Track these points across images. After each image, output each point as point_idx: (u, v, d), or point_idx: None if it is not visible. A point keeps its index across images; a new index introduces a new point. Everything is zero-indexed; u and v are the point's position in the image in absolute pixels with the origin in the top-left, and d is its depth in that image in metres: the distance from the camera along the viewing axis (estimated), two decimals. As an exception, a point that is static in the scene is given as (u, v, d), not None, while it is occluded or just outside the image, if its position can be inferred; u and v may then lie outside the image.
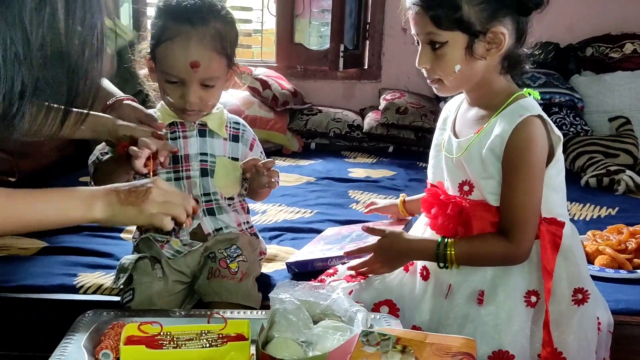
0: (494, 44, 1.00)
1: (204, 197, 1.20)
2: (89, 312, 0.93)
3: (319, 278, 1.20)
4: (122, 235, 1.57)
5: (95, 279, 1.30)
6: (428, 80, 1.07)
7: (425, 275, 1.12)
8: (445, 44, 1.00)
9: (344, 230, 1.48)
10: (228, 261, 1.18)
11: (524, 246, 1.02)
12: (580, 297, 1.06)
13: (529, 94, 1.07)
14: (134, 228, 1.58)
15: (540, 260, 1.03)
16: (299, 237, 1.61)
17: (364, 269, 1.15)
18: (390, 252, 1.12)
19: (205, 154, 1.21)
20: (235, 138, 1.25)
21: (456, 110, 1.14)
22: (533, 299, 1.03)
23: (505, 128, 1.00)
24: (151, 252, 1.19)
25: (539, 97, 1.07)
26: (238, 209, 1.27)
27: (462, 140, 1.07)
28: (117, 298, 1.20)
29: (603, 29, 2.84)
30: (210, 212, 1.21)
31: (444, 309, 1.08)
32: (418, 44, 1.04)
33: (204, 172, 1.20)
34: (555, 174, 1.06)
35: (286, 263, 1.35)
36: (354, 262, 1.17)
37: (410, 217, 1.36)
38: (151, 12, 1.21)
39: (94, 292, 1.26)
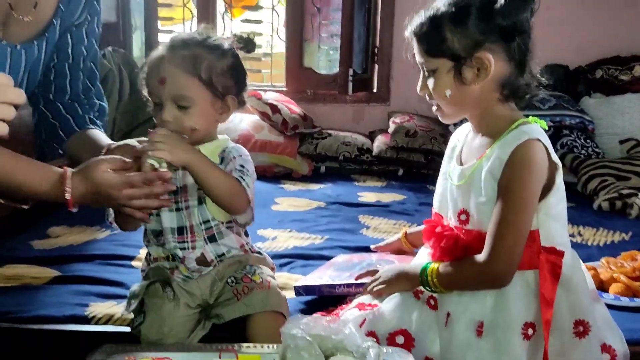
0: (482, 70, 1.03)
1: (203, 225, 1.20)
2: (102, 347, 0.93)
3: (335, 312, 1.18)
4: (133, 263, 1.58)
5: (106, 309, 1.30)
6: (433, 109, 1.13)
7: (434, 304, 1.12)
8: (435, 70, 1.06)
9: (355, 258, 1.48)
10: (250, 276, 1.20)
11: (496, 265, 1.01)
12: (581, 329, 1.04)
13: (535, 122, 1.07)
14: (142, 257, 1.60)
15: (539, 290, 1.02)
16: (309, 265, 1.61)
17: (370, 288, 1.18)
18: (390, 274, 1.16)
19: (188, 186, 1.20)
20: (222, 160, 1.21)
21: (464, 140, 1.16)
22: (530, 331, 1.02)
23: (504, 151, 1.01)
24: (161, 278, 1.20)
25: (546, 127, 1.08)
26: (239, 231, 1.27)
27: (465, 167, 1.09)
28: (128, 329, 1.20)
29: (612, 51, 2.84)
30: (212, 239, 1.21)
31: (445, 338, 1.08)
32: (419, 71, 1.11)
33: (200, 201, 1.20)
34: (556, 202, 1.06)
35: (295, 286, 1.35)
36: (365, 280, 1.22)
37: (415, 250, 1.36)
38: (163, 39, 1.23)
39: (105, 323, 1.26)
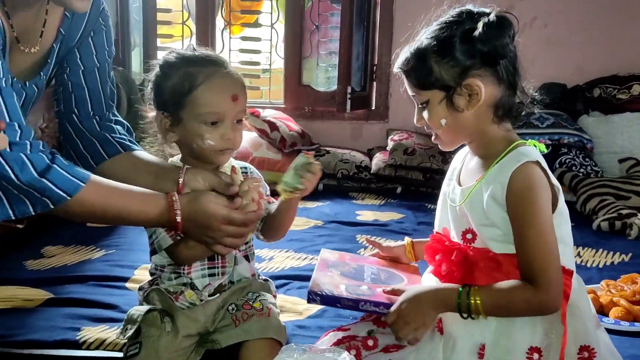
0: (474, 96, 1.04)
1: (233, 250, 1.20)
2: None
3: (351, 351, 1.10)
4: (127, 285, 1.56)
5: (98, 334, 1.28)
6: (432, 138, 1.13)
7: (441, 329, 1.09)
8: (427, 102, 1.07)
9: (348, 258, 1.35)
10: (251, 303, 1.19)
11: (552, 291, 0.99)
12: (586, 355, 1.03)
13: (535, 145, 1.07)
14: (143, 278, 1.58)
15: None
16: (305, 286, 1.58)
17: (400, 333, 1.06)
18: (414, 303, 1.05)
19: None
20: None
21: (462, 161, 1.16)
22: (535, 356, 1.00)
23: (504, 174, 1.01)
24: (162, 304, 1.17)
25: (545, 150, 1.07)
26: (251, 255, 1.27)
27: (464, 188, 1.09)
28: (120, 354, 1.18)
29: (610, 70, 2.85)
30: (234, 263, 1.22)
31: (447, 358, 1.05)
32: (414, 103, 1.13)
33: None
34: (561, 224, 1.05)
35: (309, 291, 1.16)
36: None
37: (412, 263, 1.32)
38: (161, 56, 1.21)
39: (97, 348, 1.23)
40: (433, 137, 1.12)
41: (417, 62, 1.05)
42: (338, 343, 1.16)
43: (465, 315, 1.03)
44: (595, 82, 2.83)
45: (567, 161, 2.63)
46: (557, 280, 1.00)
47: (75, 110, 1.24)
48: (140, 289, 1.26)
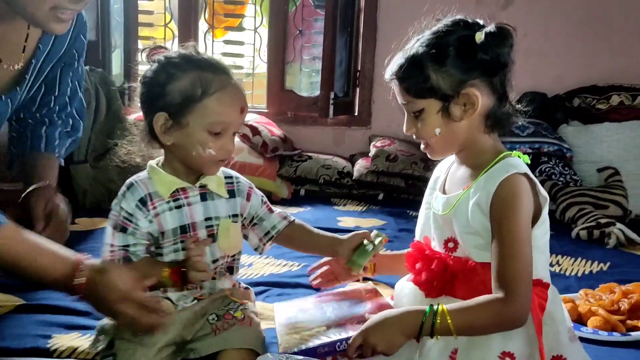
0: (470, 105, 1.03)
1: (212, 264, 1.18)
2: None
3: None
4: (102, 291, 1.52)
5: (70, 341, 1.24)
6: (421, 147, 1.12)
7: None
8: (422, 111, 1.05)
9: (301, 303, 1.35)
10: (232, 312, 1.16)
11: (518, 303, 0.98)
12: None
13: (519, 156, 1.08)
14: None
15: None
16: (285, 293, 1.57)
17: (366, 353, 1.04)
18: (378, 331, 1.02)
19: (210, 218, 1.18)
20: (232, 193, 1.23)
21: (447, 171, 1.16)
22: None
23: (492, 183, 1.01)
24: None
25: (529, 162, 1.08)
26: (237, 267, 1.25)
27: (451, 196, 1.08)
28: (94, 362, 1.15)
29: (590, 80, 2.89)
30: (213, 277, 1.20)
31: None
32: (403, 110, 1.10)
33: (213, 238, 1.18)
34: (541, 235, 1.06)
35: (282, 353, 1.13)
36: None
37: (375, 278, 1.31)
38: (143, 58, 1.19)
39: (68, 356, 1.20)
40: (423, 147, 1.11)
41: (413, 69, 1.04)
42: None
43: (434, 337, 0.99)
44: (575, 92, 2.86)
45: (547, 170, 2.65)
46: (526, 292, 0.99)
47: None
48: None
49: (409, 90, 1.05)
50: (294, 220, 1.34)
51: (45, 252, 1.00)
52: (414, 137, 1.10)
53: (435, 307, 1.00)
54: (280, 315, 1.30)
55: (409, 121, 1.09)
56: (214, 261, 1.19)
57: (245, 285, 1.31)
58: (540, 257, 1.05)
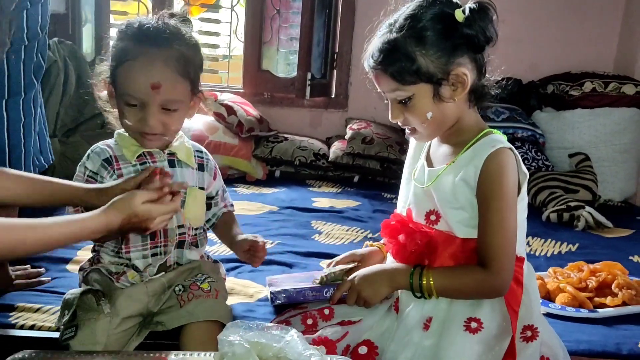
0: (459, 84, 1.02)
1: (178, 230, 1.17)
2: (20, 353, 0.86)
3: (308, 321, 1.13)
4: (68, 267, 1.48)
5: (35, 315, 1.21)
6: (406, 132, 1.09)
7: (398, 308, 1.10)
8: (412, 97, 1.02)
9: (293, 274, 1.38)
10: (198, 283, 1.15)
11: (501, 275, 1.01)
12: (529, 334, 1.05)
13: (499, 134, 1.08)
14: (84, 258, 1.51)
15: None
16: (257, 270, 1.55)
17: (349, 299, 1.09)
18: (367, 278, 1.09)
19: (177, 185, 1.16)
20: (200, 167, 1.22)
21: (428, 145, 1.15)
22: (473, 324, 1.02)
23: (478, 158, 1.01)
24: (101, 285, 1.12)
25: (505, 139, 1.08)
26: (201, 240, 1.23)
27: (434, 169, 1.08)
28: (56, 334, 1.12)
29: (564, 67, 2.92)
30: (180, 245, 1.18)
31: (399, 336, 1.06)
32: (387, 99, 1.06)
33: (182, 204, 1.15)
34: (520, 211, 1.07)
35: (272, 292, 1.20)
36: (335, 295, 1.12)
37: None
38: (113, 34, 1.15)
39: (30, 328, 1.17)
40: (408, 132, 1.08)
41: (397, 55, 1.00)
42: (293, 316, 1.15)
43: (418, 294, 1.05)
44: (549, 79, 2.89)
45: (520, 155, 2.67)
46: (509, 265, 1.02)
47: None
48: (80, 269, 1.20)
49: (396, 77, 1.00)
50: (229, 211, 1.32)
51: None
52: (400, 124, 1.07)
53: (420, 269, 1.04)
54: (271, 280, 1.31)
55: (395, 109, 1.05)
56: (179, 226, 1.17)
57: (214, 259, 1.30)
58: (518, 233, 1.06)
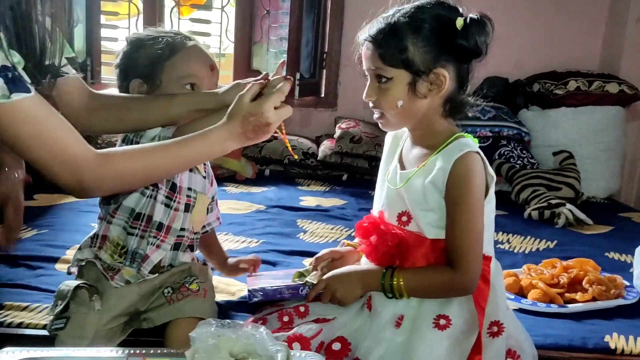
0: (436, 85, 1.05)
1: (179, 232, 1.22)
2: (5, 350, 0.90)
3: (284, 318, 1.17)
4: (56, 266, 1.52)
5: (23, 313, 1.25)
6: (374, 116, 1.12)
7: (370, 306, 1.14)
8: (390, 79, 1.06)
9: (273, 272, 1.43)
10: (187, 285, 1.20)
11: (469, 275, 1.05)
12: (495, 329, 1.09)
13: (469, 138, 1.12)
14: (70, 256, 1.55)
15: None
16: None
17: (324, 298, 1.13)
18: (342, 279, 1.13)
19: (190, 189, 1.23)
20: (206, 174, 1.29)
21: (402, 145, 1.18)
22: (442, 322, 1.06)
23: (446, 161, 1.05)
24: (94, 281, 1.17)
25: (477, 144, 1.12)
26: (196, 244, 1.29)
27: (405, 172, 1.11)
28: (44, 332, 1.16)
29: (549, 66, 2.96)
30: (176, 247, 1.22)
31: (372, 334, 1.10)
32: (367, 78, 1.10)
33: (187, 208, 1.22)
34: (487, 212, 1.10)
35: (250, 290, 1.22)
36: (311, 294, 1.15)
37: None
38: (106, 34, 1.21)
39: (18, 326, 1.21)
40: (377, 116, 1.11)
41: (392, 37, 1.04)
42: (270, 313, 1.19)
43: (390, 295, 1.09)
44: (535, 78, 2.93)
45: (505, 153, 2.72)
46: (476, 265, 1.06)
47: None
48: (80, 248, 1.22)
49: (382, 57, 1.04)
50: (218, 225, 1.39)
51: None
52: (371, 104, 1.10)
53: (392, 270, 1.08)
54: (251, 278, 1.35)
55: (371, 87, 1.08)
56: (182, 229, 1.22)
57: (203, 261, 1.34)
58: (486, 233, 1.10)
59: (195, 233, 1.26)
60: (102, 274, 1.17)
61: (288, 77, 1.05)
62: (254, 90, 1.03)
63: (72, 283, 1.15)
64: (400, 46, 1.03)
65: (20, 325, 1.21)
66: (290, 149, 1.16)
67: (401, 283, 1.07)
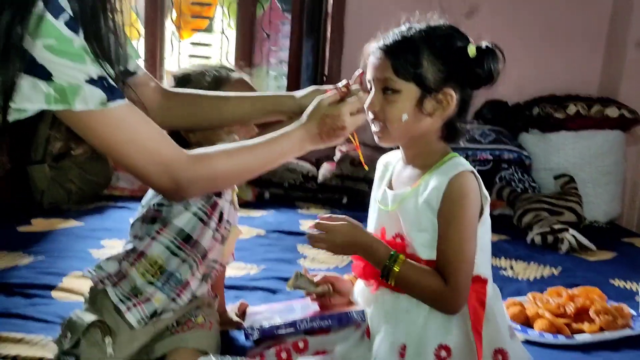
0: (442, 105, 1.06)
1: (212, 263, 1.21)
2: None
3: (282, 354, 1.14)
4: (53, 293, 1.49)
5: (18, 345, 1.22)
6: (373, 129, 1.10)
7: (368, 333, 1.12)
8: (398, 92, 1.05)
9: (274, 305, 1.39)
10: (193, 318, 1.17)
11: (457, 293, 1.03)
12: (500, 358, 1.06)
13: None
14: (71, 286, 1.52)
15: (460, 317, 1.05)
16: (242, 296, 1.57)
17: (319, 242, 1.11)
18: (348, 237, 1.09)
19: (228, 221, 1.22)
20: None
21: (392, 169, 1.18)
22: (443, 353, 1.04)
23: (441, 181, 1.04)
24: (105, 316, 1.10)
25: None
26: (210, 274, 1.25)
27: (398, 193, 1.10)
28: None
29: (549, 90, 2.96)
30: (204, 278, 1.20)
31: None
32: (371, 89, 1.09)
33: (222, 239, 1.21)
34: (483, 234, 1.09)
35: (246, 328, 1.19)
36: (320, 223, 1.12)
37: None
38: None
39: (13, 359, 1.18)
40: (376, 129, 1.09)
41: (407, 49, 1.04)
42: (268, 347, 1.16)
43: (382, 276, 1.06)
44: (535, 101, 2.93)
45: (506, 176, 2.71)
46: (464, 286, 1.04)
47: None
48: (109, 259, 1.16)
49: (395, 68, 1.04)
50: (232, 261, 1.38)
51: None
52: (371, 116, 1.08)
53: (396, 256, 1.05)
54: (250, 312, 1.32)
55: (376, 98, 1.07)
56: (214, 261, 1.21)
57: (213, 294, 1.31)
58: (481, 255, 1.09)
59: (222, 266, 1.25)
60: (115, 309, 1.10)
61: (366, 90, 1.09)
62: (335, 96, 1.08)
63: (85, 316, 1.09)
64: (414, 60, 1.04)
65: (15, 358, 1.18)
66: (362, 157, 1.18)
67: (396, 270, 1.04)
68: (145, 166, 0.89)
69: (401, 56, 1.04)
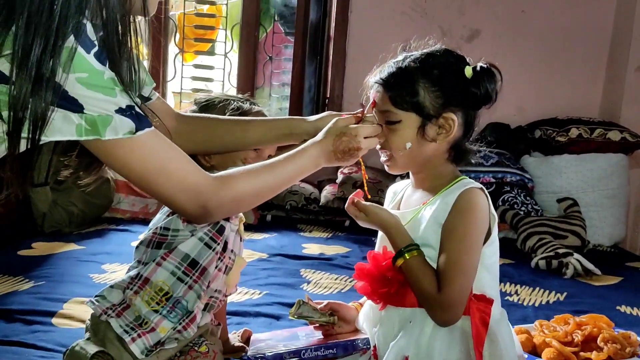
0: (444, 129, 1.06)
1: (215, 293, 1.19)
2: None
3: None
4: (53, 320, 1.47)
5: (16, 374, 1.20)
6: (382, 158, 1.12)
7: (376, 355, 1.11)
8: (399, 122, 1.07)
9: (277, 332, 1.36)
10: (196, 348, 1.15)
11: (447, 304, 1.01)
12: None
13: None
14: (71, 312, 1.50)
15: (464, 335, 1.03)
16: (244, 322, 1.55)
17: (355, 207, 1.12)
18: (380, 216, 1.09)
19: (232, 251, 1.21)
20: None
21: (402, 193, 1.18)
22: None
23: (450, 197, 1.04)
24: (108, 347, 1.08)
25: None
26: (211, 304, 1.23)
27: (406, 212, 1.10)
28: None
29: (551, 112, 2.98)
30: (205, 308, 1.18)
31: None
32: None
33: (227, 269, 1.20)
34: (490, 254, 1.08)
35: (249, 357, 1.18)
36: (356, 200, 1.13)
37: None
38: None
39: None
40: (384, 159, 1.11)
41: (404, 80, 1.06)
42: None
43: (394, 260, 1.05)
44: (537, 124, 2.94)
45: (509, 199, 2.71)
46: (457, 298, 1.02)
47: None
48: (112, 287, 1.14)
49: (393, 100, 1.06)
50: (235, 291, 1.36)
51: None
52: (378, 146, 1.10)
53: (413, 247, 1.05)
54: (254, 339, 1.30)
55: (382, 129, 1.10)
56: (217, 291, 1.19)
57: (216, 322, 1.29)
58: (487, 275, 1.07)
59: (225, 296, 1.24)
60: (119, 339, 1.08)
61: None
62: (351, 119, 1.10)
63: (89, 347, 1.07)
64: (411, 90, 1.05)
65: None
66: (365, 185, 1.19)
67: (407, 257, 1.04)
68: (174, 194, 0.90)
69: (397, 88, 1.06)
